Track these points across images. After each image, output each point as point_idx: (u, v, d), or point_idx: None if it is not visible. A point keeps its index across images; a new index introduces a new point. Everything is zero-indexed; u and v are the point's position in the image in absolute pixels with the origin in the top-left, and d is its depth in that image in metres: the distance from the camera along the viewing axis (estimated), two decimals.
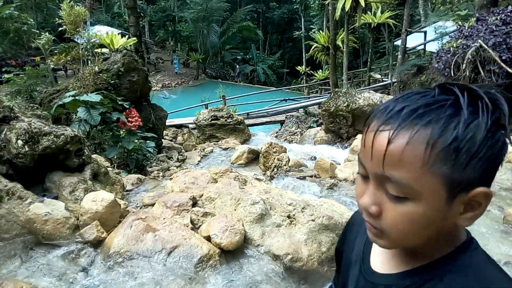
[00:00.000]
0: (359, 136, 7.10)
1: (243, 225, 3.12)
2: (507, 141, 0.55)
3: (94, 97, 5.42)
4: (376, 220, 0.59)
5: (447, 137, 0.52)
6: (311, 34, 21.75)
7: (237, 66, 30.29)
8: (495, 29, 6.42)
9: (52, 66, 10.93)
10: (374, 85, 14.37)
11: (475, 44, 6.42)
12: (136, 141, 5.73)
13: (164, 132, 8.98)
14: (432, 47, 10.67)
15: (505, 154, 0.56)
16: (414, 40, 12.73)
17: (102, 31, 9.38)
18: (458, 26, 8.11)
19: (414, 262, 0.62)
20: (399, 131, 0.54)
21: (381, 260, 0.69)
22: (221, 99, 12.89)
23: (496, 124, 0.54)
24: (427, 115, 0.53)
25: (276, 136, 11.63)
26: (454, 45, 6.96)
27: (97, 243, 3.02)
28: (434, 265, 0.60)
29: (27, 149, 3.49)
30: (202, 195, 3.78)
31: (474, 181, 0.54)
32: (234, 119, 10.16)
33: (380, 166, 0.56)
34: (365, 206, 0.59)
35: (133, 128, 5.88)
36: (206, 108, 11.74)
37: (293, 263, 2.87)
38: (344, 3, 11.86)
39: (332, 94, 9.62)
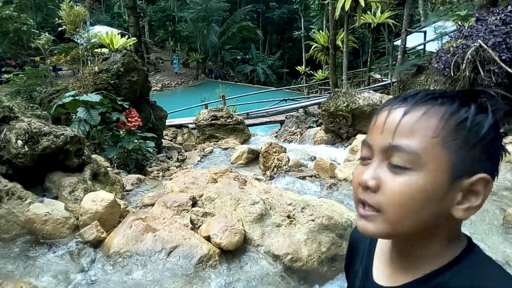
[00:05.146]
0: (359, 136, 7.10)
1: (243, 225, 3.12)
2: (503, 144, 0.59)
3: (94, 97, 5.42)
4: (373, 196, 0.58)
5: (460, 115, 0.55)
6: (311, 34, 21.75)
7: (210, 63, 30.27)
8: (494, 29, 6.41)
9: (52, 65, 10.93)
10: (374, 85, 14.37)
11: (475, 44, 6.42)
12: (136, 141, 5.73)
13: (164, 132, 8.98)
14: (432, 47, 10.66)
15: (502, 156, 0.59)
16: (414, 40, 12.72)
17: (102, 31, 9.38)
18: (458, 26, 8.11)
19: (418, 271, 0.61)
20: (415, 106, 0.57)
21: (385, 273, 0.68)
22: (221, 99, 12.89)
23: (497, 125, 0.57)
24: (440, 99, 0.57)
25: (276, 136, 11.62)
26: (454, 45, 6.95)
27: (97, 243, 3.02)
28: (437, 274, 0.59)
29: (27, 149, 3.49)
30: (202, 195, 3.78)
31: (478, 167, 0.56)
32: (234, 119, 10.16)
33: (390, 137, 0.57)
34: (364, 180, 0.58)
35: (133, 128, 5.88)
36: (206, 108, 11.74)
37: (293, 263, 2.87)
38: (344, 3, 11.86)
39: (332, 94, 9.61)
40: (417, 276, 0.61)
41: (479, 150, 0.55)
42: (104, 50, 8.20)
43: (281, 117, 13.00)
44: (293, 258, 2.88)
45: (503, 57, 6.12)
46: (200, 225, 3.24)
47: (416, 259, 0.62)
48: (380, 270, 0.69)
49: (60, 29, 8.71)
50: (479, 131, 0.55)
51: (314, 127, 10.84)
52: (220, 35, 30.14)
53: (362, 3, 11.75)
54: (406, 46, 12.12)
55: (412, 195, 0.55)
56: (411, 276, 0.62)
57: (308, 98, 16.49)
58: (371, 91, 10.11)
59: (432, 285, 0.59)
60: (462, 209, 0.56)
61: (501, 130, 0.58)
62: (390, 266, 0.67)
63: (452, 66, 6.66)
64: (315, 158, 7.06)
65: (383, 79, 15.73)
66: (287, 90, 23.29)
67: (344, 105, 8.74)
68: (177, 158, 7.42)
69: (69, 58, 9.14)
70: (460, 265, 0.59)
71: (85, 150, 4.07)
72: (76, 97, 5.49)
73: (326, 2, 15.29)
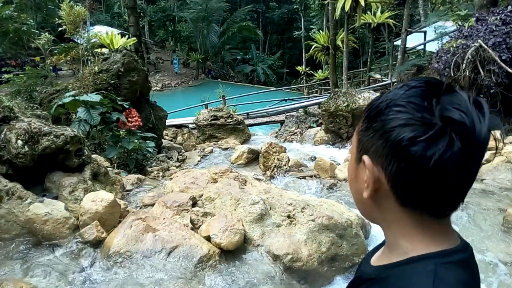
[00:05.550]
0: None
1: (243, 225, 3.12)
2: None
3: (94, 97, 5.42)
4: None
5: (374, 104, 0.60)
6: (311, 34, 21.75)
7: (209, 63, 30.40)
8: (494, 29, 6.41)
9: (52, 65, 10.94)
10: (374, 85, 14.37)
11: (475, 44, 6.41)
12: (136, 141, 5.73)
13: (164, 132, 8.98)
14: (432, 47, 10.66)
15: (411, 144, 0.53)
16: (414, 40, 12.72)
17: (102, 31, 9.38)
18: (458, 26, 8.11)
19: (388, 260, 0.64)
20: None
21: (377, 255, 0.74)
22: (221, 99, 12.89)
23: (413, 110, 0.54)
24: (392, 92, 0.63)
25: (276, 136, 11.62)
26: (454, 45, 6.95)
27: (97, 243, 3.02)
28: (390, 267, 0.62)
29: (27, 149, 3.49)
30: (202, 195, 3.78)
31: (367, 150, 0.60)
32: (234, 119, 10.16)
33: None
34: None
35: (133, 128, 5.88)
36: (206, 108, 11.74)
37: (293, 263, 2.87)
38: (344, 3, 11.85)
39: (332, 94, 9.60)
40: (385, 263, 0.64)
41: (369, 133, 0.59)
42: (104, 50, 8.20)
43: (281, 117, 12.99)
44: (293, 258, 2.88)
45: (503, 57, 6.12)
46: (200, 225, 3.24)
47: (391, 248, 0.65)
48: (380, 252, 0.74)
49: (60, 29, 8.71)
50: (370, 116, 0.59)
51: (314, 127, 10.84)
52: (220, 35, 30.12)
53: (362, 3, 11.75)
54: (406, 46, 12.12)
55: (348, 173, 0.70)
56: (383, 261, 0.66)
57: (308, 98, 16.49)
58: (371, 91, 10.11)
59: (382, 275, 0.62)
60: (364, 188, 0.61)
61: (407, 116, 0.53)
62: (382, 250, 0.72)
63: (452, 66, 6.65)
64: (315, 158, 7.06)
65: (383, 79, 15.73)
66: (287, 90, 23.28)
67: (344, 105, 8.74)
68: (177, 158, 7.41)
69: (69, 58, 9.14)
70: (400, 268, 0.58)
71: (85, 150, 4.07)
72: (76, 97, 5.49)
73: (326, 2, 15.29)
